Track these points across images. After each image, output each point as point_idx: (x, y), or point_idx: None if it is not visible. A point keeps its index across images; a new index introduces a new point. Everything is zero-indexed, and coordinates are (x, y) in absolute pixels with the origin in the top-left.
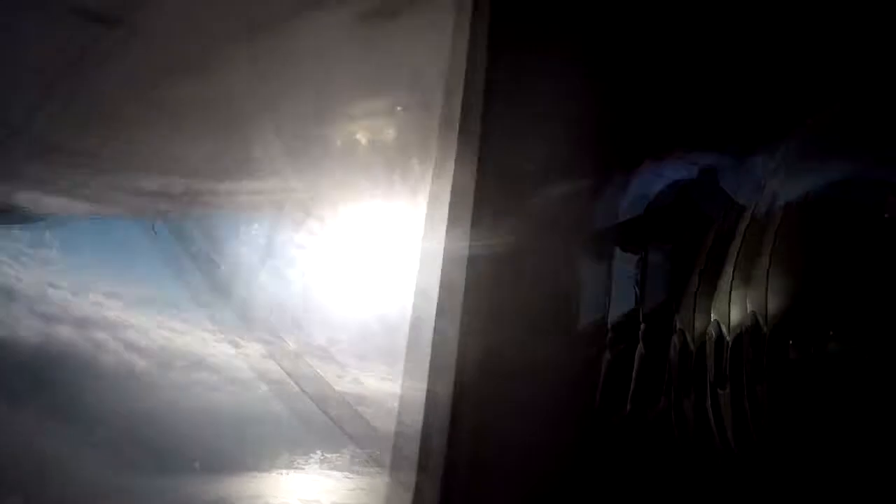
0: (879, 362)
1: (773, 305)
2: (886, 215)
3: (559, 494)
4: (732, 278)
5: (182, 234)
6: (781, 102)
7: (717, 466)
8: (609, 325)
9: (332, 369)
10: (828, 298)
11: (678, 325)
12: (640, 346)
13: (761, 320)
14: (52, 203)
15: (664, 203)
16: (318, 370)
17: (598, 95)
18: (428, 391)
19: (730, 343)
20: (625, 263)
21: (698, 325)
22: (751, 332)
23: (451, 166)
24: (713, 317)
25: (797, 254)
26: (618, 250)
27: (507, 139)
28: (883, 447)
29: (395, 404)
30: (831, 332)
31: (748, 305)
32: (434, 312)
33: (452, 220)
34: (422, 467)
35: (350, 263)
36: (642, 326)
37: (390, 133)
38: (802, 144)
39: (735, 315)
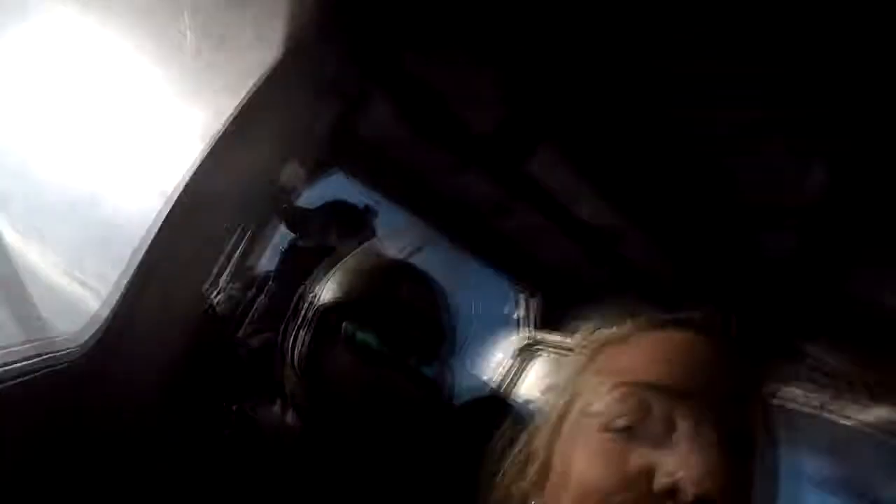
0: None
1: (329, 296)
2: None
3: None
4: (326, 272)
5: None
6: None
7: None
8: (253, 277)
9: (36, 247)
10: (357, 302)
11: (300, 289)
12: (263, 297)
13: (325, 300)
14: None
15: (329, 208)
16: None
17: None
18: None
19: (312, 305)
20: (283, 237)
21: (306, 291)
22: (320, 304)
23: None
24: (314, 290)
25: (350, 275)
26: (283, 226)
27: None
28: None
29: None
30: (345, 322)
31: (326, 291)
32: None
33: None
34: None
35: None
36: (271, 283)
37: None
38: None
39: (320, 292)
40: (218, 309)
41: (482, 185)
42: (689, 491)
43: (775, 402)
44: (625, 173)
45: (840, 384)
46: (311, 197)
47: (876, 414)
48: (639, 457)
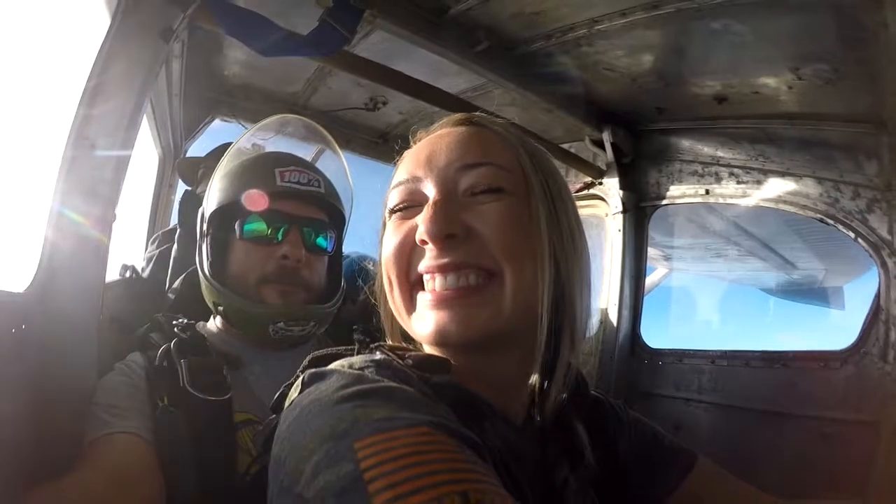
0: None
1: (213, 204)
2: None
3: None
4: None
5: None
6: None
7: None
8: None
9: None
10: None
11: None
12: (175, 245)
13: (211, 209)
14: None
15: (216, 153)
16: None
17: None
18: None
19: (203, 218)
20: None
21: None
22: (208, 214)
23: None
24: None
25: (224, 180)
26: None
27: None
28: None
29: None
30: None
31: (209, 202)
32: None
33: None
34: None
35: None
36: (178, 230)
37: None
38: None
39: (205, 205)
40: (142, 273)
41: None
42: (421, 235)
43: (664, 203)
44: None
45: (719, 170)
46: (192, 148)
47: (767, 188)
48: (409, 223)
